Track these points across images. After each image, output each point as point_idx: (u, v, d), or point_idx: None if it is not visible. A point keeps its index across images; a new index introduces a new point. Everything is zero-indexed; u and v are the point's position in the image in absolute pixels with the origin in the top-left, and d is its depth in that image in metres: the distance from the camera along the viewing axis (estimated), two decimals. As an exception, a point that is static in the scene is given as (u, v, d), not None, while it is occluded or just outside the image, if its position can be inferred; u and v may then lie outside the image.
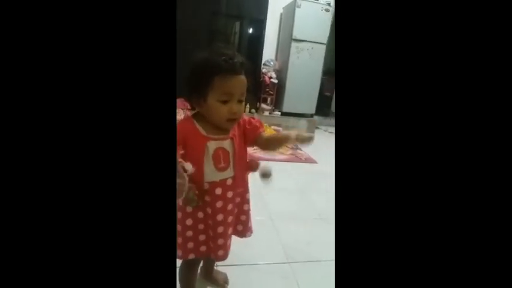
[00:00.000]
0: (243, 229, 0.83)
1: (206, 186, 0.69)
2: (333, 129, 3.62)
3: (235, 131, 0.72)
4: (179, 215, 0.71)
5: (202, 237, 0.74)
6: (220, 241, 0.74)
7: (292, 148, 2.57)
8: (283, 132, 0.79)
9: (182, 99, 0.86)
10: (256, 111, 3.44)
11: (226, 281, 0.98)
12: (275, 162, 2.22)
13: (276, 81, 3.45)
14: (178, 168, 0.62)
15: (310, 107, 3.58)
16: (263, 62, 3.61)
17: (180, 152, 0.65)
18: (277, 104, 3.60)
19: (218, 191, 0.71)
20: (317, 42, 3.36)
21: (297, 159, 2.37)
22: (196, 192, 0.67)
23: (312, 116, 3.64)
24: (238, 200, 0.77)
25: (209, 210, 0.72)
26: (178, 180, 0.61)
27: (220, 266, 1.03)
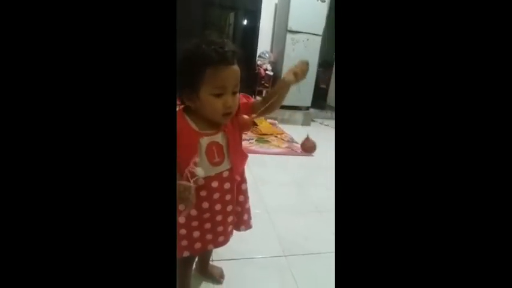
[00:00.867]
0: (238, 221, 0.81)
1: (201, 181, 0.66)
2: (329, 122, 3.61)
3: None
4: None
5: (196, 234, 0.72)
6: (220, 228, 0.73)
7: (288, 141, 2.56)
8: (278, 82, 0.75)
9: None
10: (252, 104, 3.40)
11: (222, 276, 0.97)
12: (271, 156, 2.21)
13: (271, 73, 3.41)
14: (185, 176, 0.60)
15: (306, 99, 3.55)
16: (258, 54, 3.55)
17: (194, 159, 0.61)
18: (272, 96, 3.56)
19: (215, 184, 0.69)
20: (313, 34, 3.30)
21: (293, 152, 2.36)
22: (193, 192, 0.64)
23: (307, 108, 3.62)
24: (235, 190, 0.75)
25: (205, 205, 0.70)
26: (182, 194, 0.59)
27: (215, 261, 1.02)
